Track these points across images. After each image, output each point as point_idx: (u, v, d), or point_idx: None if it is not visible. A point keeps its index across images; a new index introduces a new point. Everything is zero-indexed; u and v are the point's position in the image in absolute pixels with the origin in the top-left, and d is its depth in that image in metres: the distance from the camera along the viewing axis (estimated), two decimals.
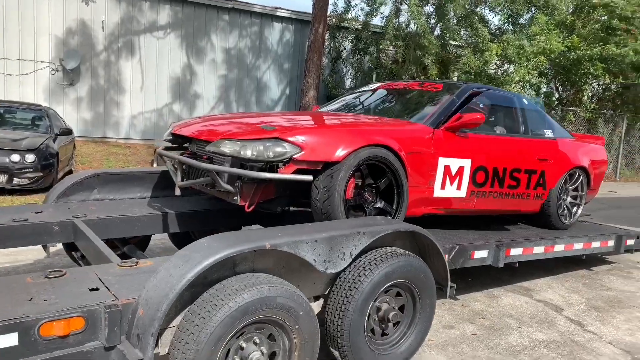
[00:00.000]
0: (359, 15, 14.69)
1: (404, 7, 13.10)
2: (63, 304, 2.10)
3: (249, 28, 14.83)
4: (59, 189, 4.02)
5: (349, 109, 4.89)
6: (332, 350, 2.77)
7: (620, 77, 13.57)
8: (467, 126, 3.84)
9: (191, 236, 4.18)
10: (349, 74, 16.23)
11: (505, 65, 12.55)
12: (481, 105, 4.29)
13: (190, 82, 14.14)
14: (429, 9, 12.75)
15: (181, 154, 3.57)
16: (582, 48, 12.73)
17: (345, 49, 15.40)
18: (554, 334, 3.67)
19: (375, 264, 2.76)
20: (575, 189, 5.06)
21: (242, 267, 2.46)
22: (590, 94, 15.60)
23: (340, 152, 3.07)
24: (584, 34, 13.22)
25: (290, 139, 3.02)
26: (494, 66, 12.65)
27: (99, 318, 2.11)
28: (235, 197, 3.15)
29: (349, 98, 5.18)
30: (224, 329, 2.19)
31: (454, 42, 12.30)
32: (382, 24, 14.21)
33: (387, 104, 4.75)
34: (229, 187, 3.08)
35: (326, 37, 14.31)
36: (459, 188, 3.94)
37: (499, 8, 12.66)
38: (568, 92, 16.11)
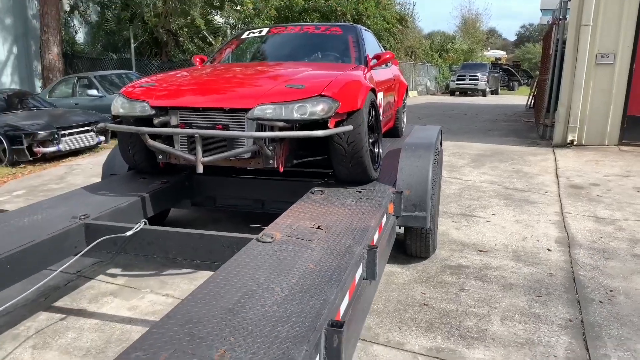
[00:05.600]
0: None
1: None
2: (372, 194, 3.30)
3: None
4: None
5: (265, 57, 4.96)
6: None
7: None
8: (384, 63, 4.48)
9: None
10: (81, 29, 15.14)
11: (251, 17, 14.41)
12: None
13: None
14: None
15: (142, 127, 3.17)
16: (300, 3, 15.78)
17: (82, 1, 14.27)
18: (456, 186, 6.29)
19: None
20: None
21: None
22: None
23: (359, 100, 3.22)
24: None
25: (331, 94, 3.04)
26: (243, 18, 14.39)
27: (392, 201, 3.39)
28: (271, 161, 3.16)
29: (255, 44, 5.23)
30: None
31: None
32: None
33: (304, 48, 4.79)
34: (269, 152, 3.08)
35: None
36: (381, 116, 4.35)
37: None
38: None
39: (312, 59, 4.57)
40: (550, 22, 12.09)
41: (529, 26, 67.60)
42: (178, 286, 3.46)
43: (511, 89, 34.26)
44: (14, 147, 7.58)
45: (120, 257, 2.82)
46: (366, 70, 4.07)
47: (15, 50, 13.64)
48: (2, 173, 7.36)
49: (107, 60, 14.53)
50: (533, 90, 17.34)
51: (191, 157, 3.06)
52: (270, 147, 3.09)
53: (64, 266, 2.53)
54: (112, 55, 15.06)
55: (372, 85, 3.59)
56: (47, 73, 13.00)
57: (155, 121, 3.19)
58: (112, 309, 3.12)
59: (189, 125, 3.13)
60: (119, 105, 3.29)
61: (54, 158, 8.20)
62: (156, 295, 3.32)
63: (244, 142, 3.09)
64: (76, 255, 2.68)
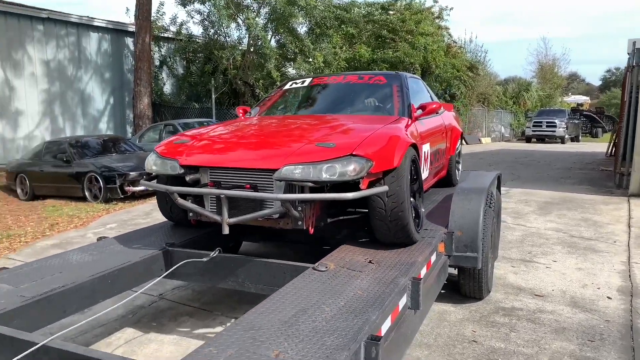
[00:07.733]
0: (187, 27, 15.52)
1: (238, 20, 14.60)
2: (424, 234, 3.52)
3: (66, 38, 14.03)
4: None
5: (306, 109, 4.82)
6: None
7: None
8: (430, 114, 4.25)
9: None
10: (168, 81, 16.78)
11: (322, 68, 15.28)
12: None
13: (10, 98, 12.67)
14: (261, 21, 14.53)
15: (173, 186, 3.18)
16: (369, 54, 16.52)
17: (170, 57, 15.90)
18: (519, 232, 6.30)
19: None
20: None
21: None
22: None
23: (396, 158, 3.05)
24: (366, 42, 17.09)
25: (363, 153, 2.91)
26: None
27: (443, 241, 3.60)
28: (300, 222, 3.04)
29: (294, 96, 5.09)
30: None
31: (290, 50, 14.43)
32: (206, 35, 15.36)
33: (345, 99, 4.64)
34: (296, 213, 2.97)
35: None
36: (426, 170, 4.21)
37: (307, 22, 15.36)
38: None
39: (353, 110, 4.44)
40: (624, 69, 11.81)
41: (615, 70, 64.38)
42: (245, 310, 3.81)
43: (594, 135, 32.70)
44: (108, 186, 8.54)
45: (197, 280, 3.24)
46: (409, 121, 3.91)
47: (111, 100, 15.32)
48: (97, 208, 8.29)
49: (190, 109, 15.86)
50: (614, 137, 16.68)
51: (218, 217, 2.99)
52: (299, 208, 2.98)
53: (151, 283, 2.99)
54: (195, 104, 16.41)
55: (412, 140, 3.43)
56: (138, 120, 14.39)
57: (187, 178, 3.17)
58: (188, 327, 3.53)
59: (218, 184, 3.10)
60: (151, 162, 3.32)
61: (141, 196, 9.10)
62: (226, 318, 3.70)
63: (272, 202, 2.99)
64: (160, 277, 3.13)
